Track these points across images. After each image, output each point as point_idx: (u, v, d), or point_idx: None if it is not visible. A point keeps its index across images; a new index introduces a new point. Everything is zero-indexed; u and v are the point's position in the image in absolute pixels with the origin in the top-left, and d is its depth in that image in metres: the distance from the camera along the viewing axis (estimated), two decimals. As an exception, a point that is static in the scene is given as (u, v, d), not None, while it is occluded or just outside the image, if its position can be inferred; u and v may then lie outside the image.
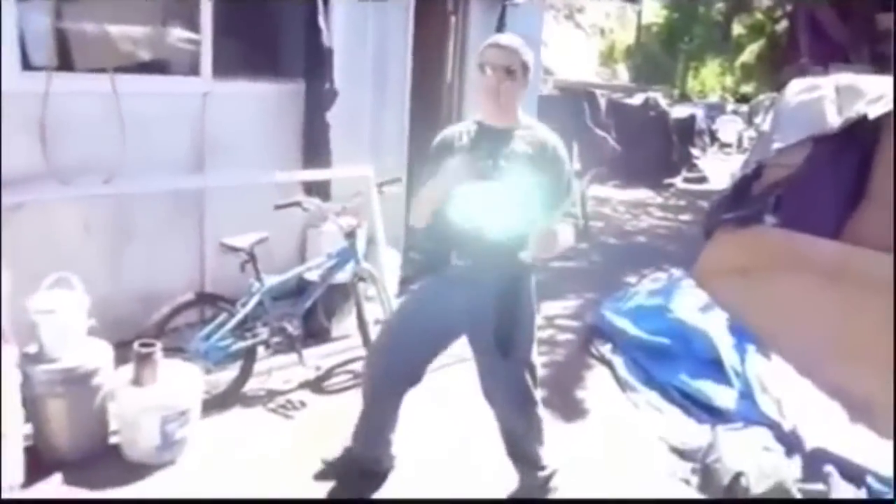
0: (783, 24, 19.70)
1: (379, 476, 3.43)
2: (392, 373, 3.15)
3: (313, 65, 5.12)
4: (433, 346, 3.13)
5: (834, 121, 4.96)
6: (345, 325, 4.97)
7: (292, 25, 5.17)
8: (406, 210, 6.29)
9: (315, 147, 5.16)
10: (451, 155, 2.86)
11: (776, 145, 5.44)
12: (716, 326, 4.84)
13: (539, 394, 3.15)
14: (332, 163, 5.22)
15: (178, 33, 4.74)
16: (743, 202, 5.57)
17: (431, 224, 2.94)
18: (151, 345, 3.51)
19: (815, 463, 3.54)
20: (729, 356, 4.56)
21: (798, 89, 5.46)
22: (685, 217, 11.35)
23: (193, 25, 4.72)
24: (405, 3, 6.21)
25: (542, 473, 3.19)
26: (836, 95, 5.10)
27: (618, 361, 4.95)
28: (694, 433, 4.07)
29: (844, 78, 5.24)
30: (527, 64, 2.84)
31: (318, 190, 5.01)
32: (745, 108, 23.58)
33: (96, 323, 3.61)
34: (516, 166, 2.82)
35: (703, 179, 14.74)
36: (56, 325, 3.37)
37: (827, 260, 4.74)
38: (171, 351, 3.77)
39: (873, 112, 4.76)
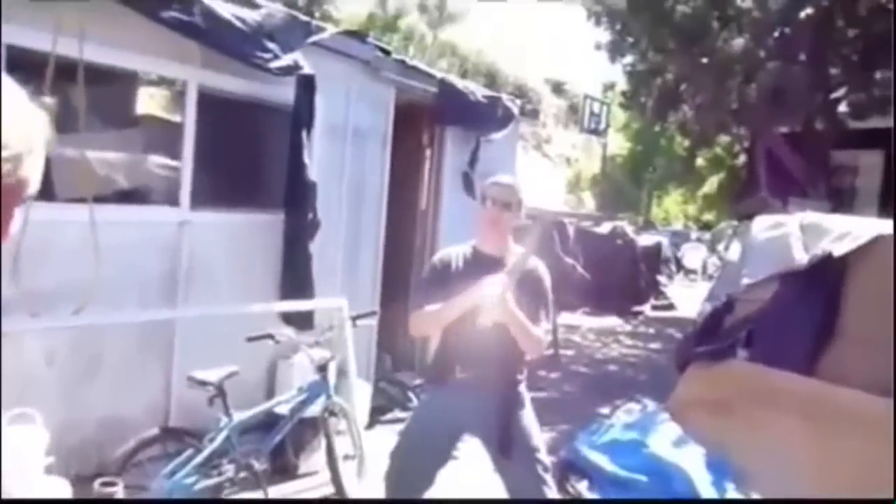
0: (742, 159, 20.54)
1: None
2: (408, 481, 3.38)
3: (296, 197, 5.18)
4: (444, 453, 3.38)
5: (801, 258, 5.09)
6: (312, 461, 4.82)
7: (273, 157, 5.28)
8: (375, 341, 6.28)
9: (296, 277, 5.16)
10: (450, 275, 3.26)
11: (745, 280, 5.55)
12: (693, 462, 4.76)
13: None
14: (315, 292, 5.20)
15: (158, 161, 4.81)
16: (714, 336, 5.61)
17: (441, 339, 3.38)
18: (113, 483, 3.36)
19: None
20: (707, 493, 4.47)
21: (764, 226, 5.62)
22: (655, 345, 11.42)
23: (174, 154, 4.79)
24: (383, 137, 6.39)
25: None
26: (801, 233, 5.25)
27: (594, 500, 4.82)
28: (676, 578, 3.93)
29: (809, 216, 5.42)
30: (522, 200, 3.31)
31: (301, 320, 4.96)
32: (707, 235, 24.23)
33: (54, 458, 3.47)
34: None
35: (670, 307, 14.95)
36: (14, 464, 3.22)
37: (802, 397, 4.74)
38: (133, 488, 3.61)
39: (838, 250, 4.90)
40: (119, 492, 3.37)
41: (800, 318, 5.10)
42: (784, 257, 5.27)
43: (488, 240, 3.34)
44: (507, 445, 3.22)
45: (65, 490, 3.44)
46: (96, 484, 3.36)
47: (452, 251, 3.41)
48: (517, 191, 3.33)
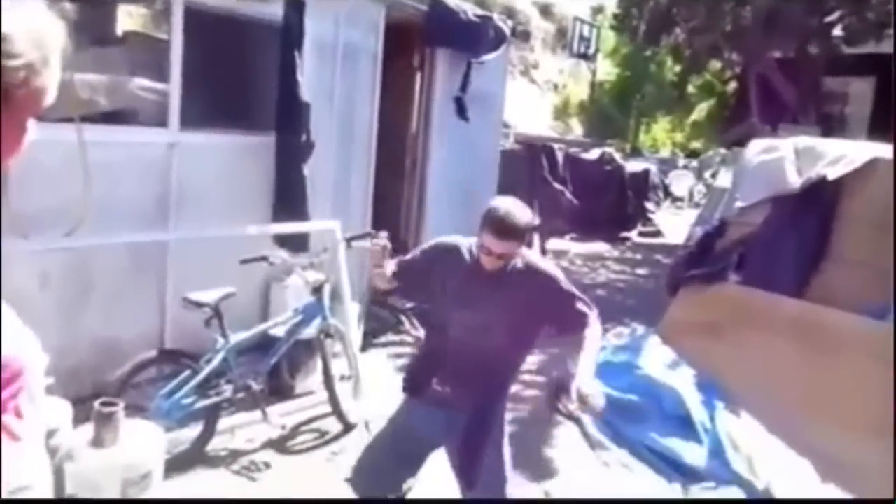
0: (733, 85, 20.34)
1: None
2: (373, 490, 3.10)
3: (288, 117, 5.09)
4: (414, 464, 3.11)
5: (794, 181, 5.09)
6: (308, 382, 4.86)
7: (264, 78, 5.15)
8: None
9: (290, 200, 5.10)
10: (447, 265, 2.99)
11: (738, 204, 5.56)
12: (684, 383, 4.85)
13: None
14: (309, 215, 5.15)
15: (145, 83, 4.68)
16: (706, 260, 5.64)
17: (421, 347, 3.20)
18: (113, 403, 3.36)
19: (789, 524, 3.52)
20: (698, 413, 4.56)
21: (758, 150, 5.60)
22: (642, 271, 11.48)
23: (161, 73, 4.67)
24: (373, 59, 6.25)
25: None
26: (795, 157, 5.24)
27: (586, 419, 4.89)
28: (665, 493, 4.03)
29: (803, 140, 5.40)
30: (524, 238, 2.85)
31: (296, 242, 4.92)
32: (695, 163, 24.16)
33: (53, 379, 3.46)
34: (508, 300, 2.86)
35: (658, 233, 14.99)
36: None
37: (791, 318, 4.81)
38: (131, 409, 3.62)
39: (832, 173, 4.90)
40: (119, 411, 3.38)
41: (792, 242, 5.13)
42: (778, 180, 5.27)
43: (489, 266, 2.87)
44: (471, 478, 2.94)
45: (66, 410, 3.44)
46: (96, 404, 3.36)
47: (458, 246, 3.04)
48: (516, 236, 2.77)
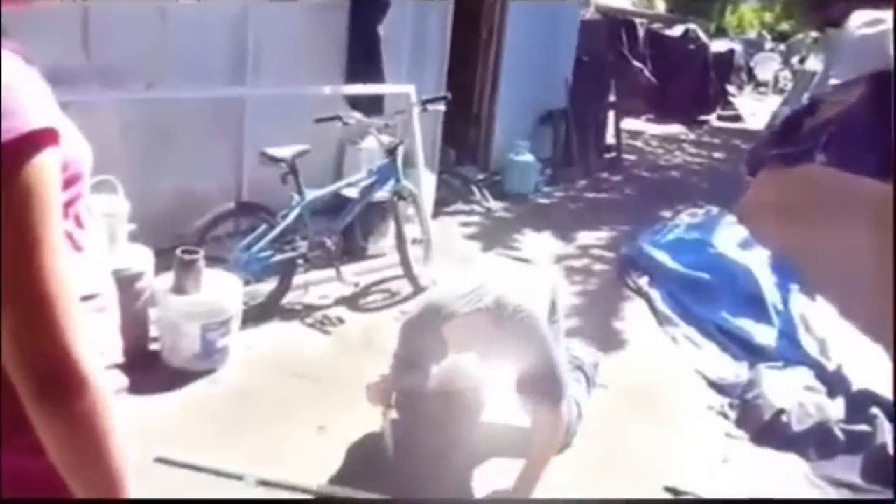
0: (831, -40, 18.93)
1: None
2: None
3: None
4: None
5: (897, 57, 4.76)
6: (381, 245, 4.92)
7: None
8: (441, 133, 6.21)
9: (363, 60, 5.02)
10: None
11: (832, 81, 5.26)
12: (758, 264, 4.76)
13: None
14: (384, 77, 5.07)
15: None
16: (792, 139, 5.41)
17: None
18: (194, 252, 3.47)
19: (859, 404, 3.48)
20: (771, 294, 4.49)
21: (860, 22, 5.24)
22: (719, 155, 11.15)
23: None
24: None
25: None
26: (901, 30, 4.89)
27: (655, 295, 4.88)
28: (732, 370, 4.03)
29: (912, 12, 5.01)
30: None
31: (371, 105, 4.87)
32: (783, 46, 22.92)
33: (136, 226, 3.58)
34: None
35: (737, 118, 14.42)
36: (104, 228, 3.32)
37: (877, 203, 4.61)
38: (211, 260, 3.74)
39: (942, 50, 4.56)
40: (200, 260, 3.48)
41: (886, 122, 4.85)
42: (880, 56, 4.95)
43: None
44: None
45: (148, 257, 3.57)
46: (178, 252, 3.47)
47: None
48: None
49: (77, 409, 0.84)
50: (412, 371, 2.83)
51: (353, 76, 5.05)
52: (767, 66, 19.97)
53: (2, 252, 0.81)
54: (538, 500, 2.69)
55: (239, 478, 2.75)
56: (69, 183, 0.93)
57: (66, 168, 0.91)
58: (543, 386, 2.68)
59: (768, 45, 24.14)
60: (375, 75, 5.04)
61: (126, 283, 3.38)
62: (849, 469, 3.20)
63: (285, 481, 2.77)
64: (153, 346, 3.56)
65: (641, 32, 12.70)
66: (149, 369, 3.38)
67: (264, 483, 2.75)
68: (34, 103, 0.85)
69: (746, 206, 5.41)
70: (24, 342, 0.82)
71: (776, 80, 19.85)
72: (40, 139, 0.84)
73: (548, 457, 2.78)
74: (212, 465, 2.79)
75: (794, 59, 20.07)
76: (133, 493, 0.96)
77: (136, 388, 3.19)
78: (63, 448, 0.87)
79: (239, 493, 2.69)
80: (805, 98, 5.69)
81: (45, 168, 0.84)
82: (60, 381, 0.83)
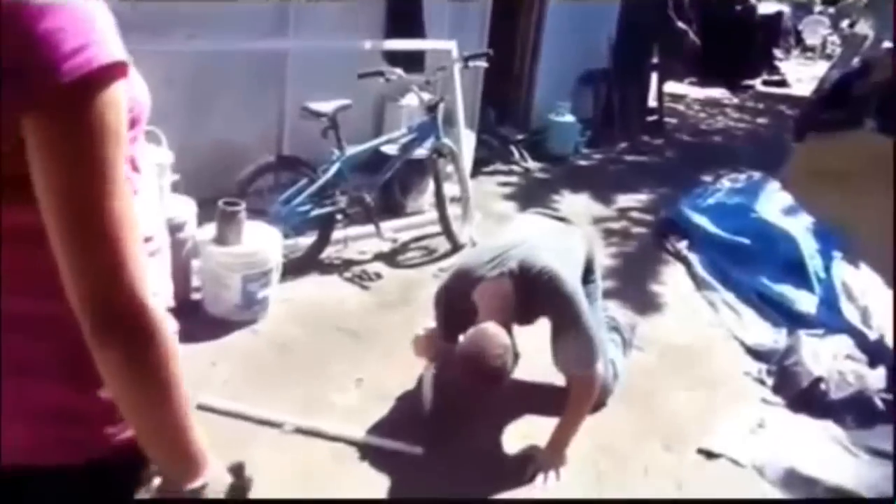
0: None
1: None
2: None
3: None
4: None
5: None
6: (420, 202, 4.93)
7: None
8: (481, 91, 6.15)
9: (404, 16, 4.97)
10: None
11: (886, 44, 5.11)
12: (800, 230, 4.67)
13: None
14: (426, 33, 5.03)
15: None
16: (841, 103, 5.29)
17: None
18: (236, 203, 3.50)
19: (900, 374, 3.44)
20: (813, 261, 4.41)
21: (917, -16, 5.07)
22: (763, 120, 10.91)
23: None
24: None
25: None
26: (963, -9, 4.72)
27: (694, 259, 4.83)
28: (771, 336, 3.99)
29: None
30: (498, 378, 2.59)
31: (411, 61, 4.83)
32: (832, 9, 22.25)
33: (179, 176, 3.62)
34: None
35: (783, 83, 14.06)
36: (150, 177, 3.36)
37: (929, 170, 4.50)
38: (252, 212, 3.77)
39: None
40: (242, 211, 3.52)
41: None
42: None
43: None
44: None
45: (191, 207, 3.61)
46: (220, 203, 3.51)
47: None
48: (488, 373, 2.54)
49: (145, 346, 0.85)
50: (449, 334, 2.83)
51: (393, 32, 5.01)
52: (816, 30, 19.40)
53: (71, 186, 0.80)
54: (539, 499, 2.71)
55: (278, 425, 2.80)
56: (131, 124, 0.92)
57: (131, 109, 0.90)
58: (575, 346, 2.68)
59: (818, 8, 23.40)
60: (416, 31, 4.99)
61: (170, 232, 3.43)
62: (886, 438, 3.16)
63: (322, 429, 2.82)
64: (195, 296, 3.62)
65: (688, -8, 12.37)
66: (190, 318, 3.42)
67: (301, 431, 2.80)
68: (111, 34, 0.83)
69: (793, 171, 5.31)
70: (93, 279, 0.82)
71: (824, 44, 19.29)
72: (116, 72, 0.82)
73: (581, 416, 2.79)
74: (251, 412, 2.85)
75: (844, 24, 19.44)
76: None
77: (179, 335, 3.28)
78: (130, 386, 0.88)
79: (277, 441, 2.75)
80: (855, 62, 5.54)
81: (119, 103, 0.83)
82: (129, 318, 0.83)
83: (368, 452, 2.77)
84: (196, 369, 3.01)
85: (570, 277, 2.73)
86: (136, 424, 0.92)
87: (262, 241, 3.60)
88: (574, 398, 2.79)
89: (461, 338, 2.58)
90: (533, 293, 2.66)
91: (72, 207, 0.81)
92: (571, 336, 2.66)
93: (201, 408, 2.81)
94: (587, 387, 2.76)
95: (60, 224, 0.81)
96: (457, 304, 2.78)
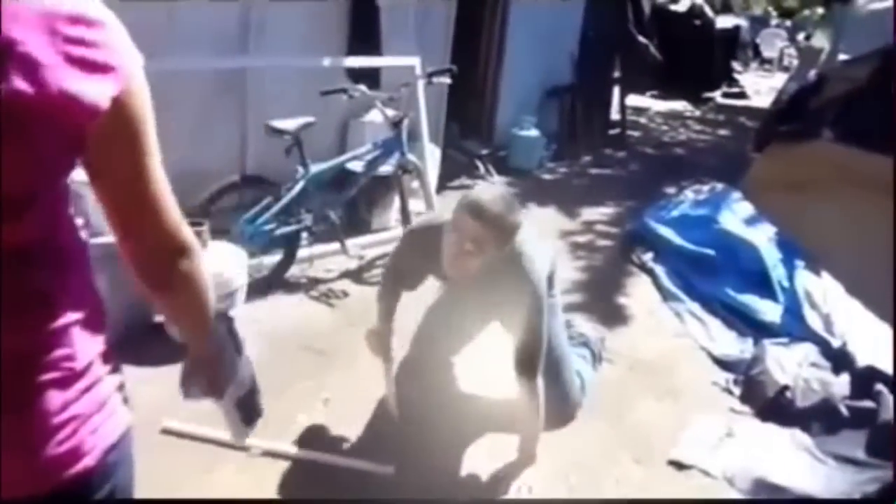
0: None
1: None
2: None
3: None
4: None
5: (909, 32, 4.72)
6: (385, 218, 4.91)
7: None
8: (445, 107, 6.16)
9: (363, 33, 4.98)
10: (425, 261, 2.80)
11: (842, 57, 5.22)
12: (763, 240, 4.74)
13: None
14: (382, 50, 5.03)
15: None
16: (800, 115, 5.38)
17: None
18: (199, 224, 3.45)
19: (864, 381, 3.48)
20: (776, 270, 4.47)
21: (871, -3, 5.19)
22: (724, 132, 11.09)
23: None
24: None
25: None
26: (912, 5, 4.84)
27: (660, 270, 4.87)
28: (737, 345, 4.02)
29: (923, -13, 4.96)
30: (502, 235, 2.52)
31: (367, 78, 4.83)
32: (788, 22, 22.74)
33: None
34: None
35: (742, 95, 14.32)
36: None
37: (885, 178, 4.58)
38: (216, 232, 3.72)
39: (953, 24, 4.52)
40: (206, 232, 3.47)
41: (893, 100, 4.82)
42: (888, 32, 4.90)
43: (449, 272, 2.65)
44: None
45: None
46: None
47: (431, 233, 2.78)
48: (496, 225, 2.48)
49: (199, 260, 1.15)
50: (402, 284, 2.99)
51: (353, 49, 5.01)
52: (773, 43, 19.83)
53: (132, 159, 1.02)
54: (538, 500, 2.70)
55: (245, 449, 2.75)
56: None
57: None
58: (524, 350, 2.62)
59: (774, 21, 23.94)
60: (373, 48, 5.00)
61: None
62: (852, 444, 3.19)
63: (290, 451, 2.78)
64: (158, 318, 3.54)
65: (647, 8, 12.55)
66: (154, 341, 3.37)
67: (269, 454, 2.76)
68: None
69: (753, 182, 5.39)
70: (150, 226, 1.06)
71: (781, 56, 19.70)
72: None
73: (535, 431, 2.73)
74: (216, 436, 2.79)
75: (800, 36, 19.91)
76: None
77: (140, 359, 3.20)
78: (197, 288, 1.17)
79: (244, 464, 2.70)
80: (812, 74, 5.64)
81: (148, 93, 1.03)
82: (188, 245, 1.12)
83: (338, 473, 2.73)
84: (161, 393, 2.94)
85: (541, 269, 2.72)
86: (194, 316, 1.22)
87: (227, 261, 3.56)
88: (521, 411, 2.73)
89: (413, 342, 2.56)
90: (488, 225, 2.51)
91: (145, 178, 1.04)
92: (524, 331, 2.61)
93: (166, 432, 2.75)
94: (530, 397, 2.66)
95: (133, 193, 1.04)
96: (425, 248, 2.75)
